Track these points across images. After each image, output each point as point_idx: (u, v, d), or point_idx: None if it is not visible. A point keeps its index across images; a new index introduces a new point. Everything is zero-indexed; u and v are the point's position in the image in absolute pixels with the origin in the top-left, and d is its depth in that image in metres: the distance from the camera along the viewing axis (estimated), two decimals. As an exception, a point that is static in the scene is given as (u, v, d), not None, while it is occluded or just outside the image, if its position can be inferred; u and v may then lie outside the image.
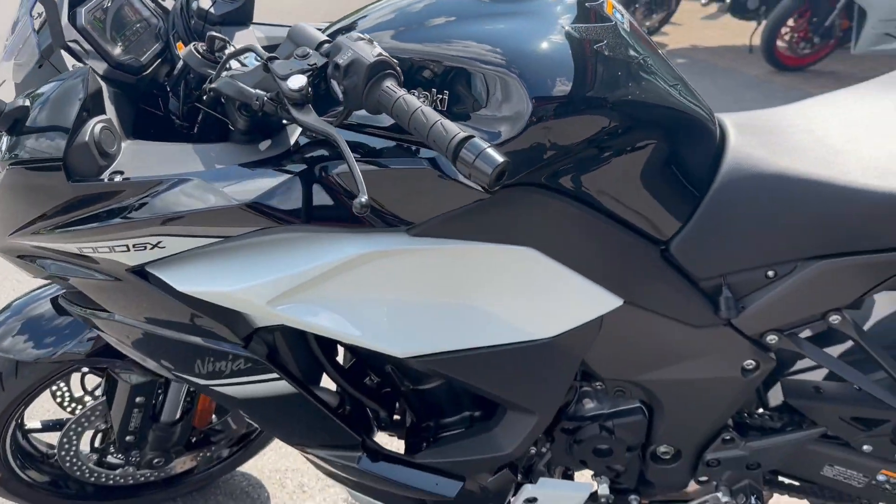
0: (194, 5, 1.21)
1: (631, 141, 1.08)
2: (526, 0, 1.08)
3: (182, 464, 1.76)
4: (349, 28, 1.10)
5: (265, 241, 1.05)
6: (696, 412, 1.32)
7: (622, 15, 1.14)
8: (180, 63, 1.10)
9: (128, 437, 1.53)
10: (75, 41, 1.09)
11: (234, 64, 1.05)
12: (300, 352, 1.23)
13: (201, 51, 1.08)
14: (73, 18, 1.10)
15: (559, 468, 1.46)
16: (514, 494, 1.43)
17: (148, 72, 1.16)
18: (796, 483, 1.52)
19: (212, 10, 1.20)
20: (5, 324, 1.41)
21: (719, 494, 1.41)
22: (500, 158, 0.83)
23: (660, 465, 1.40)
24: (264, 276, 1.05)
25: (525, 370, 1.20)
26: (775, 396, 1.44)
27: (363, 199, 0.87)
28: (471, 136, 0.84)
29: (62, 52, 1.09)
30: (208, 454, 1.78)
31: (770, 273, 1.20)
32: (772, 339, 1.24)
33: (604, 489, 1.46)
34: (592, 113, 1.03)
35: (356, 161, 0.90)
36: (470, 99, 1.00)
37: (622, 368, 1.27)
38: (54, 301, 1.43)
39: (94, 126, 1.00)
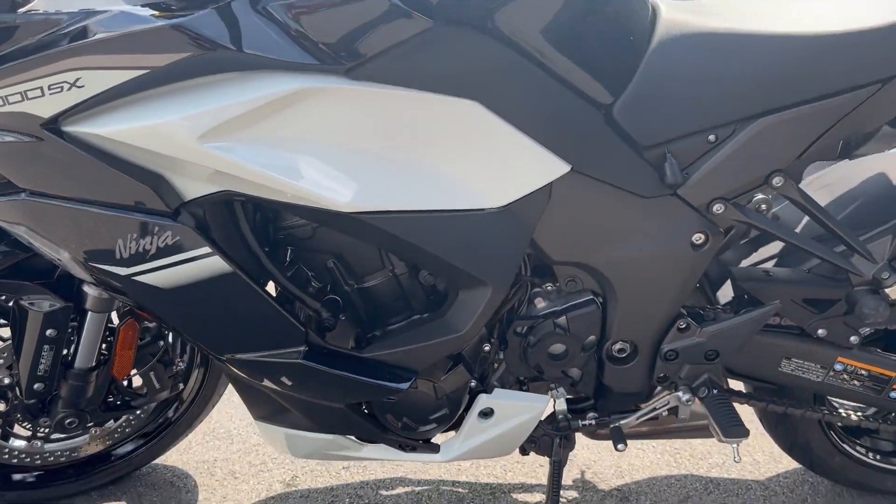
0: None
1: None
2: None
3: (96, 443, 1.58)
4: None
5: (193, 83, 0.99)
6: (649, 296, 1.28)
7: None
8: None
9: (36, 385, 1.36)
10: None
11: None
12: (233, 231, 1.14)
13: None
14: None
15: (514, 384, 1.38)
16: (468, 407, 1.34)
17: None
18: (754, 388, 1.48)
19: None
20: None
21: (679, 393, 1.36)
22: None
23: (617, 364, 1.34)
24: (194, 108, 0.97)
25: (476, 239, 1.14)
26: (726, 294, 1.43)
27: None
28: None
29: None
30: (127, 428, 1.60)
31: (711, 137, 1.20)
32: (718, 208, 1.23)
33: (561, 405, 1.39)
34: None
35: None
36: None
37: (572, 248, 1.23)
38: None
39: None
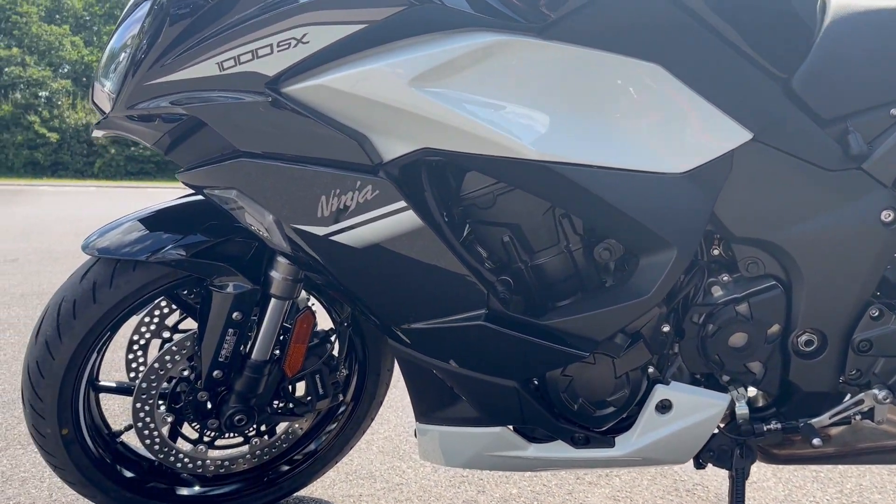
0: None
1: None
2: None
3: (254, 458, 1.59)
4: None
5: (403, 43, 1.08)
6: (838, 279, 1.23)
7: None
8: None
9: (216, 372, 1.40)
10: None
11: None
12: (424, 194, 1.19)
13: None
14: None
15: (689, 382, 1.33)
16: (644, 393, 1.28)
17: None
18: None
19: None
20: (108, 231, 1.37)
21: (875, 391, 1.27)
22: None
23: (804, 359, 1.27)
24: (404, 56, 1.06)
25: (661, 200, 1.15)
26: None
27: None
28: None
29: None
30: (284, 443, 1.61)
31: (894, 111, 1.20)
32: None
33: (742, 407, 1.32)
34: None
35: None
36: None
37: (755, 223, 1.22)
38: (163, 213, 1.41)
39: None
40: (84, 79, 26.41)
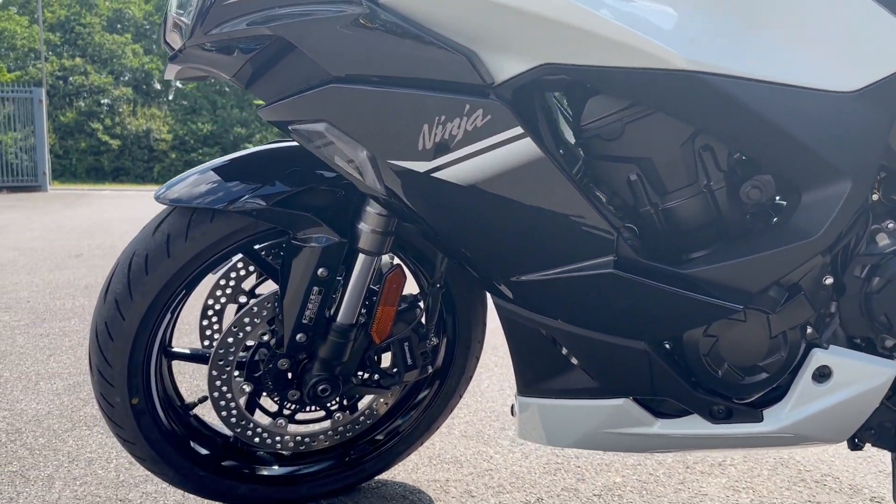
0: None
1: None
2: None
3: (335, 434, 1.45)
4: None
5: None
6: None
7: None
8: None
9: (299, 336, 1.26)
10: None
11: None
12: (543, 121, 1.03)
13: None
14: None
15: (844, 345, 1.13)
16: (800, 358, 1.09)
17: None
18: None
19: None
20: (182, 181, 1.25)
21: None
22: None
23: None
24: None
25: (829, 122, 0.96)
26: None
27: None
28: None
29: None
30: (369, 419, 1.47)
31: None
32: None
33: (914, 377, 1.11)
34: None
35: None
36: None
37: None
38: (238, 162, 1.28)
39: None
40: (144, 86, 27.10)
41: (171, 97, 27.78)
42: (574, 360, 1.14)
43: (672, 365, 1.10)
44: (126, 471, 1.66)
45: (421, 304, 1.39)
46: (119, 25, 28.85)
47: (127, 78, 27.44)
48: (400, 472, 1.67)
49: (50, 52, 25.67)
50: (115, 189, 17.92)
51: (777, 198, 1.08)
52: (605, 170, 1.08)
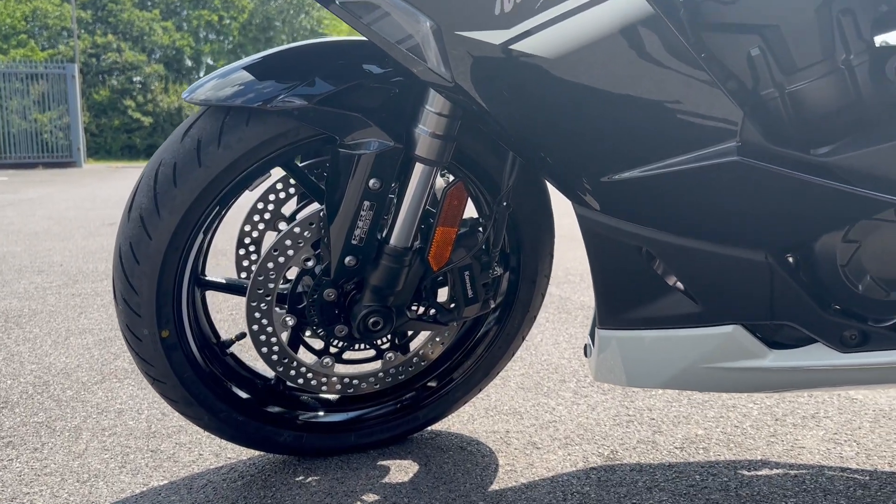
0: None
1: None
2: None
3: (386, 377, 1.29)
4: None
5: None
6: None
7: None
8: None
9: (348, 259, 1.11)
10: None
11: None
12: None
13: None
14: None
15: None
16: None
17: None
18: None
19: None
20: (214, 79, 1.10)
21: None
22: None
23: None
24: None
25: None
26: None
27: None
28: None
29: None
30: (423, 361, 1.31)
31: None
32: None
33: None
34: None
35: None
36: None
37: None
38: (272, 58, 1.12)
39: None
40: (175, 63, 27.15)
41: (201, 74, 27.84)
42: (673, 281, 0.97)
43: (797, 281, 0.91)
44: (158, 421, 1.53)
45: (482, 228, 1.22)
46: (149, 2, 28.89)
47: (158, 55, 27.52)
48: (455, 423, 1.51)
49: (82, 30, 25.81)
50: (148, 165, 18.06)
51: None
52: (721, 43, 0.89)
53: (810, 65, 0.87)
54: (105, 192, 8.16)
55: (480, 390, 1.43)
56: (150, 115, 24.12)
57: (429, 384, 1.41)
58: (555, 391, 1.71)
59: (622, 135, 0.87)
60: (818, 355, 0.95)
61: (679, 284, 0.96)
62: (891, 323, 0.93)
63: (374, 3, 0.89)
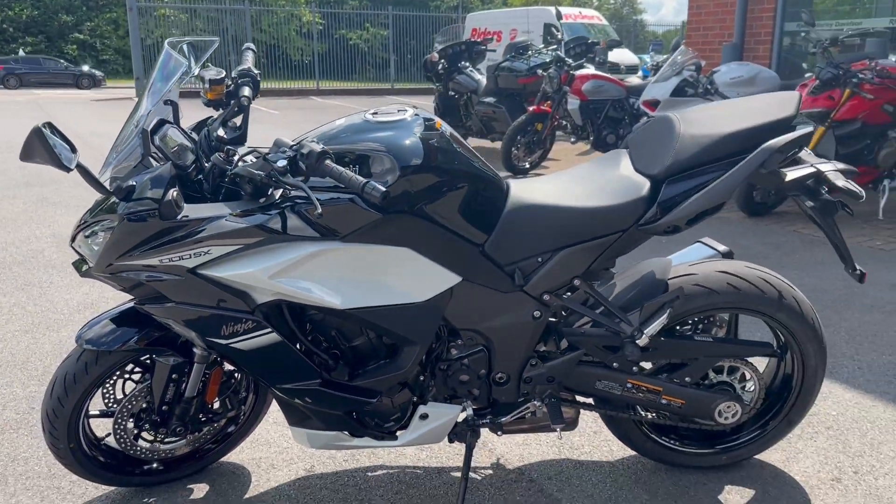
0: (213, 135, 2.22)
1: (452, 187, 2.11)
2: (396, 121, 2.12)
3: (189, 445, 2.56)
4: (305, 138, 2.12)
5: (263, 249, 2.00)
6: (513, 346, 2.28)
7: (447, 128, 2.21)
8: (210, 162, 2.09)
9: (163, 408, 2.35)
10: (155, 152, 2.07)
11: (245, 160, 2.04)
12: (282, 319, 2.14)
13: (222, 157, 2.07)
14: (153, 139, 2.07)
15: (440, 400, 2.37)
16: (411, 414, 2.33)
17: (191, 169, 2.13)
18: (586, 400, 2.47)
19: (224, 135, 2.21)
20: (93, 327, 2.26)
21: (535, 401, 2.36)
22: (383, 189, 1.83)
23: (498, 386, 2.33)
24: (265, 263, 2.00)
25: (412, 316, 2.14)
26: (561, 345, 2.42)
27: (318, 211, 1.85)
28: (368, 181, 1.84)
29: (150, 157, 2.06)
30: (207, 435, 2.59)
31: (539, 259, 2.22)
32: (546, 297, 2.24)
33: (470, 412, 2.38)
34: (432, 172, 2.06)
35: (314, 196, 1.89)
36: (367, 167, 2.02)
37: (467, 321, 2.24)
38: (128, 311, 2.30)
39: (173, 192, 1.96)
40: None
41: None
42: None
43: (353, 418, 2.31)
44: (54, 465, 2.69)
45: (236, 376, 2.50)
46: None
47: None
48: (231, 455, 2.80)
49: None
50: None
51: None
52: (319, 331, 2.24)
53: (355, 337, 2.25)
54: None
55: (241, 442, 2.74)
56: None
57: (217, 438, 2.69)
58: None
59: (274, 369, 2.19)
60: (366, 441, 2.36)
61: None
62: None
63: (168, 320, 2.13)
